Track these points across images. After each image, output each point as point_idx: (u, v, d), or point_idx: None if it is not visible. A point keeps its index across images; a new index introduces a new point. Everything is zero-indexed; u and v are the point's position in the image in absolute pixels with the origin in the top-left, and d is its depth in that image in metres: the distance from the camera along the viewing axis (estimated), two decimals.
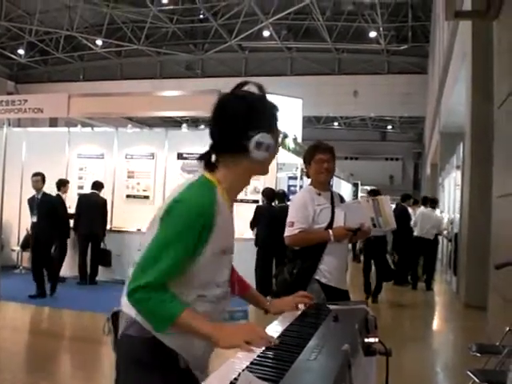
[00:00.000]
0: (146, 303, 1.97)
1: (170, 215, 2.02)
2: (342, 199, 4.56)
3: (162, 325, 1.98)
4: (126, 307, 2.09)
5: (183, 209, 2.01)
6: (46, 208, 9.85)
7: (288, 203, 9.99)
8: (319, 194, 4.31)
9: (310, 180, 4.47)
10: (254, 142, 2.05)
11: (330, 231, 4.20)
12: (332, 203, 4.34)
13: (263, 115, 2.13)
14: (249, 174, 2.19)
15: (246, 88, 2.19)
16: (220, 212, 2.06)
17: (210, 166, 2.15)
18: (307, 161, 4.40)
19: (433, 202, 14.09)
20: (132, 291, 1.97)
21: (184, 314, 1.95)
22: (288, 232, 4.25)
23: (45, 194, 9.95)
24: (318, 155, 4.31)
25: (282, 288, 4.22)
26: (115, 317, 2.19)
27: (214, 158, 2.15)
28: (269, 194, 10.72)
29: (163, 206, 2.07)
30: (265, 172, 2.22)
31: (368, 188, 23.18)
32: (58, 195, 11.05)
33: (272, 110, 2.20)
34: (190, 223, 1.99)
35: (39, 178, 9.90)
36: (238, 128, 2.08)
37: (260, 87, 2.19)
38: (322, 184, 4.36)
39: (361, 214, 4.39)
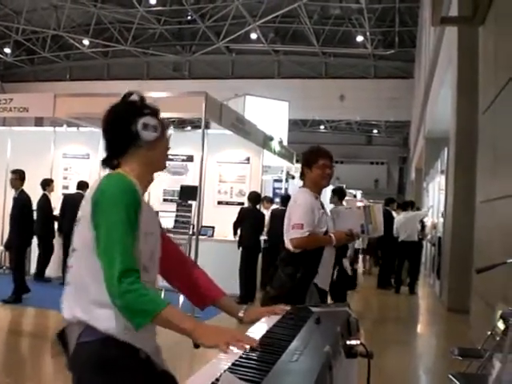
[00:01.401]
0: (129, 296, 1.97)
1: (99, 205, 2.10)
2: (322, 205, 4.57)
3: (143, 318, 1.99)
4: (74, 311, 2.12)
5: (109, 193, 2.12)
6: (18, 207, 9.40)
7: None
8: (316, 198, 4.35)
9: (302, 182, 4.48)
10: (141, 124, 2.24)
11: (332, 235, 4.28)
12: (323, 208, 4.40)
13: (143, 107, 2.31)
14: (149, 165, 2.32)
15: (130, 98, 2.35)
16: (140, 194, 2.19)
17: (111, 165, 2.30)
18: (308, 164, 4.38)
19: (406, 205, 14.10)
20: (114, 283, 1.98)
21: (166, 309, 1.98)
22: (297, 234, 4.21)
23: (21, 193, 9.45)
24: (322, 160, 4.32)
25: (281, 291, 4.21)
26: (62, 335, 2.19)
27: (116, 162, 2.29)
28: (253, 197, 10.74)
29: (86, 207, 2.14)
30: (161, 164, 2.39)
31: (353, 192, 23.26)
32: (44, 195, 11.01)
33: (153, 107, 2.36)
34: (121, 200, 2.09)
35: (16, 176, 9.46)
36: (125, 119, 2.26)
37: (140, 95, 2.36)
38: (321, 189, 4.41)
39: (351, 220, 4.48)
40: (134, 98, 2.33)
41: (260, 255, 10.84)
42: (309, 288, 4.20)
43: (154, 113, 2.32)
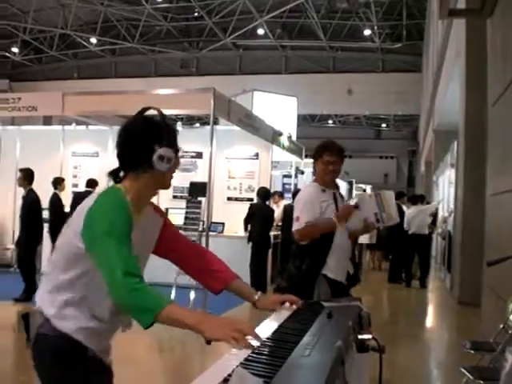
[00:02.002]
0: (135, 294, 2.02)
1: (94, 217, 2.16)
2: (343, 199, 4.64)
3: (148, 315, 2.00)
4: (43, 303, 2.25)
5: (104, 205, 2.20)
6: (26, 207, 9.41)
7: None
8: (323, 191, 4.36)
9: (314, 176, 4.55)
10: (158, 155, 2.26)
11: (333, 217, 4.25)
12: (335, 200, 4.40)
13: (164, 133, 2.32)
14: (151, 186, 2.38)
15: (148, 113, 2.41)
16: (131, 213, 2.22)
17: (117, 180, 2.36)
18: (315, 158, 4.46)
19: (416, 199, 14.05)
20: (120, 283, 2.03)
21: (168, 307, 2.00)
22: (295, 226, 4.30)
23: (30, 192, 9.42)
24: (326, 156, 4.36)
25: (290, 283, 4.26)
26: (26, 316, 2.33)
27: (122, 174, 2.36)
28: (263, 192, 10.76)
29: (80, 216, 2.20)
30: (166, 185, 2.45)
31: (363, 186, 23.21)
32: (54, 193, 11.05)
33: (172, 130, 2.40)
34: (114, 210, 2.16)
35: (22, 175, 9.46)
36: (143, 144, 2.27)
37: (160, 112, 2.41)
38: (328, 183, 4.43)
39: (364, 209, 4.41)
40: (155, 119, 2.36)
41: (270, 250, 10.88)
42: (316, 279, 4.22)
43: (171, 137, 2.34)
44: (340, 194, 4.63)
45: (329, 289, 4.21)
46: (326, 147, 4.42)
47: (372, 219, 4.40)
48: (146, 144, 2.26)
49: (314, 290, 4.22)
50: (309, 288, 4.19)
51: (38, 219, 9.63)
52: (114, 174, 2.36)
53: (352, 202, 4.39)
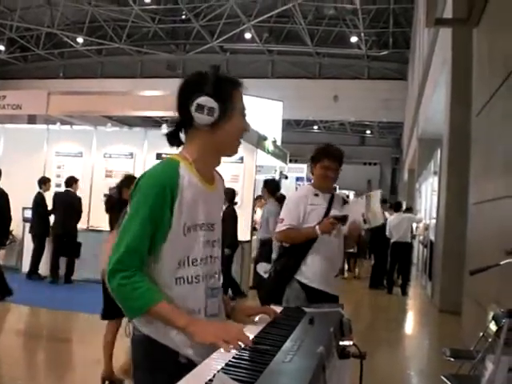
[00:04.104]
0: (121, 289, 1.98)
1: (134, 192, 2.08)
2: (344, 201, 4.51)
3: (134, 312, 2.00)
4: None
5: (143, 182, 2.07)
6: None
7: None
8: (316, 195, 4.28)
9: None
10: (195, 104, 2.07)
11: (317, 227, 4.13)
12: (330, 204, 4.31)
13: (212, 82, 2.13)
14: (211, 149, 2.19)
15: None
16: (187, 186, 2.08)
17: (174, 142, 2.21)
18: (314, 161, 4.37)
19: (399, 206, 14.10)
20: (109, 275, 1.99)
21: (159, 304, 1.97)
22: (277, 228, 4.29)
23: None
24: (326, 161, 4.29)
25: (261, 284, 4.23)
26: None
27: (182, 135, 2.20)
28: (230, 194, 10.58)
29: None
30: (228, 148, 2.25)
31: (346, 192, 23.25)
32: (39, 193, 10.98)
33: (227, 81, 2.22)
34: (148, 193, 2.03)
35: None
36: (185, 93, 2.13)
37: (217, 67, 2.23)
38: (321, 188, 4.35)
39: (353, 211, 4.35)
40: (210, 71, 2.18)
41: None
42: (287, 283, 4.17)
43: (222, 90, 2.15)
44: (342, 197, 4.56)
45: (303, 294, 4.15)
46: (326, 152, 4.34)
47: (360, 220, 4.34)
48: (185, 95, 2.12)
49: (283, 293, 4.17)
50: (277, 291, 4.16)
51: (2, 216, 9.12)
52: (169, 137, 2.21)
53: (338, 212, 4.26)
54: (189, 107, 2.09)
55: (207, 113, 2.08)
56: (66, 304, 8.85)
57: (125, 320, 2.30)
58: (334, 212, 4.26)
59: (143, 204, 2.03)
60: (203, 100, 2.07)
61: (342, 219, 4.15)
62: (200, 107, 2.07)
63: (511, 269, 3.96)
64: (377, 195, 4.48)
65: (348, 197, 21.08)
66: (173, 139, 2.20)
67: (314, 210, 4.23)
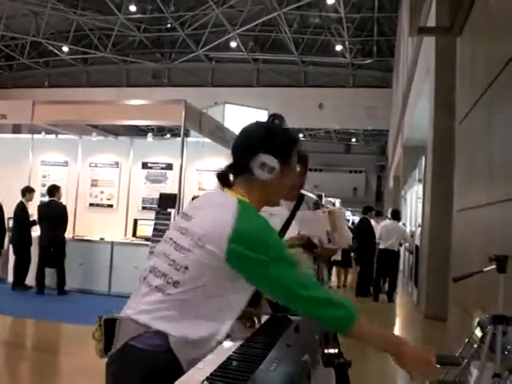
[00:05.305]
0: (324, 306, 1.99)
1: (254, 247, 1.98)
2: (317, 205, 4.21)
3: (345, 323, 2.00)
4: (143, 316, 2.00)
5: (256, 225, 2.05)
6: None
7: None
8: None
9: None
10: (259, 162, 2.11)
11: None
12: (293, 212, 4.00)
13: (277, 141, 2.19)
14: (263, 197, 2.22)
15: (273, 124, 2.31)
16: None
17: (225, 183, 2.23)
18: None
19: (396, 215, 14.18)
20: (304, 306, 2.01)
21: (362, 320, 2.01)
22: None
23: None
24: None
25: None
26: (109, 323, 2.07)
27: (231, 177, 2.23)
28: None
29: (223, 243, 1.98)
30: (277, 201, 2.30)
31: (332, 200, 23.29)
32: (20, 202, 10.87)
33: (290, 140, 2.28)
34: (267, 229, 2.06)
35: None
36: (246, 148, 2.17)
37: (282, 119, 2.33)
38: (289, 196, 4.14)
39: (317, 226, 3.96)
40: (276, 127, 2.27)
41: None
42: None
43: (283, 149, 2.20)
44: (316, 201, 4.35)
45: (269, 309, 3.93)
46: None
47: (324, 238, 3.91)
48: (249, 148, 2.15)
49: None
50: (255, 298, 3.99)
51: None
52: (223, 177, 2.23)
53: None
54: (250, 160, 2.13)
55: (268, 171, 2.13)
56: (51, 315, 8.76)
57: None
58: (294, 221, 3.97)
59: (277, 245, 2.09)
60: (267, 159, 2.12)
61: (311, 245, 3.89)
62: (262, 165, 2.12)
63: (495, 275, 3.99)
64: (342, 214, 4.13)
65: (334, 204, 21.08)
66: (225, 180, 2.23)
67: (272, 217, 3.85)
